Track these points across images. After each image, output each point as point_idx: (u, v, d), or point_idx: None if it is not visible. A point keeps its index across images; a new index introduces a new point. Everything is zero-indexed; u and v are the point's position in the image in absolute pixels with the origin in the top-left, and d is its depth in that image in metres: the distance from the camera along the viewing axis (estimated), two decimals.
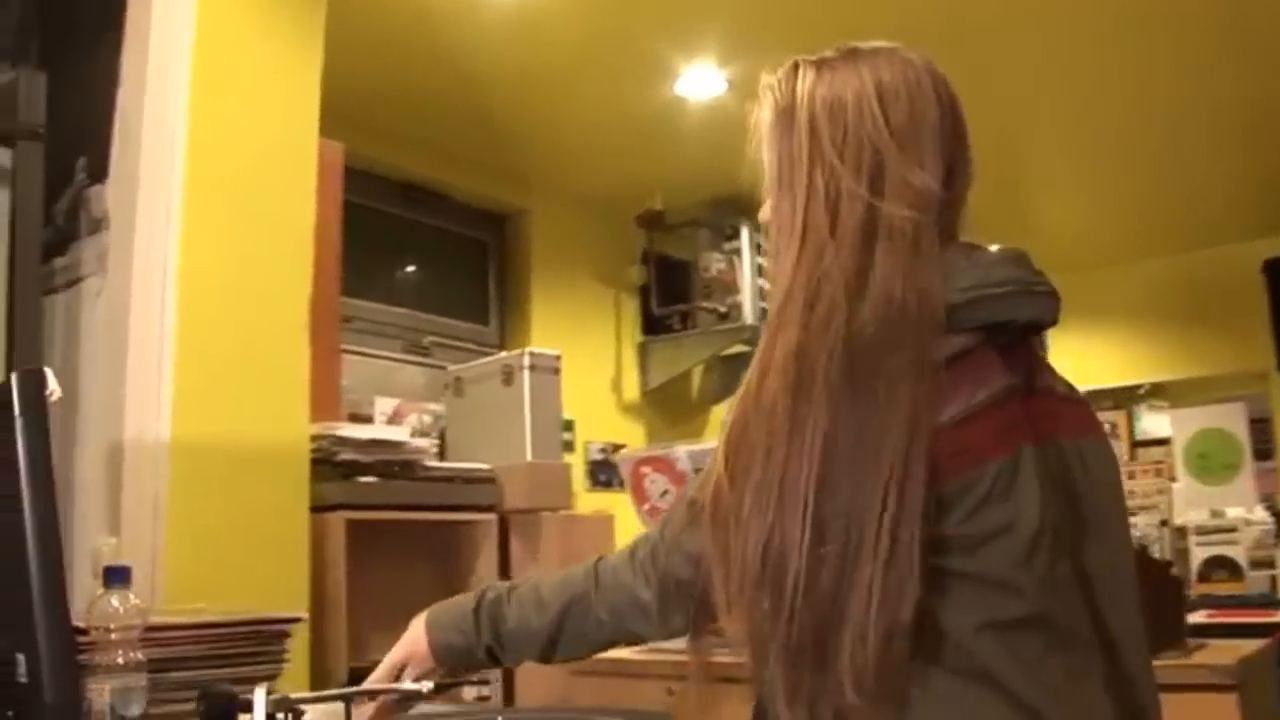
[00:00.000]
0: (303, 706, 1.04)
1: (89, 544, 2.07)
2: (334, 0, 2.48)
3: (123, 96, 2.25)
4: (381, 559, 2.42)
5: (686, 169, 4.81)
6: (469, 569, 2.63)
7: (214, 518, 2.05)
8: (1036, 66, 4.11)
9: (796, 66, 1.20)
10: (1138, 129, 4.70)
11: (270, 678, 1.68)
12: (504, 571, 2.63)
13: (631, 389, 5.33)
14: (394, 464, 2.49)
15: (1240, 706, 1.95)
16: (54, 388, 1.27)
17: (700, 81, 4.08)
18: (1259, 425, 6.42)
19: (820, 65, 1.19)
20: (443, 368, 4.53)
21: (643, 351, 5.40)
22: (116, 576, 1.36)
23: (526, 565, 2.67)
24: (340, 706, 1.12)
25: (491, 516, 2.65)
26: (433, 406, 4.11)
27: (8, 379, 1.26)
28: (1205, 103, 4.40)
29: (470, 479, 2.62)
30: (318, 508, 2.28)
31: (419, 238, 4.73)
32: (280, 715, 1.00)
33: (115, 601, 1.34)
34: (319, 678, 2.17)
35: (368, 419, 3.98)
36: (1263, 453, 6.40)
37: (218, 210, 2.15)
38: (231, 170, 2.19)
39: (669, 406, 5.46)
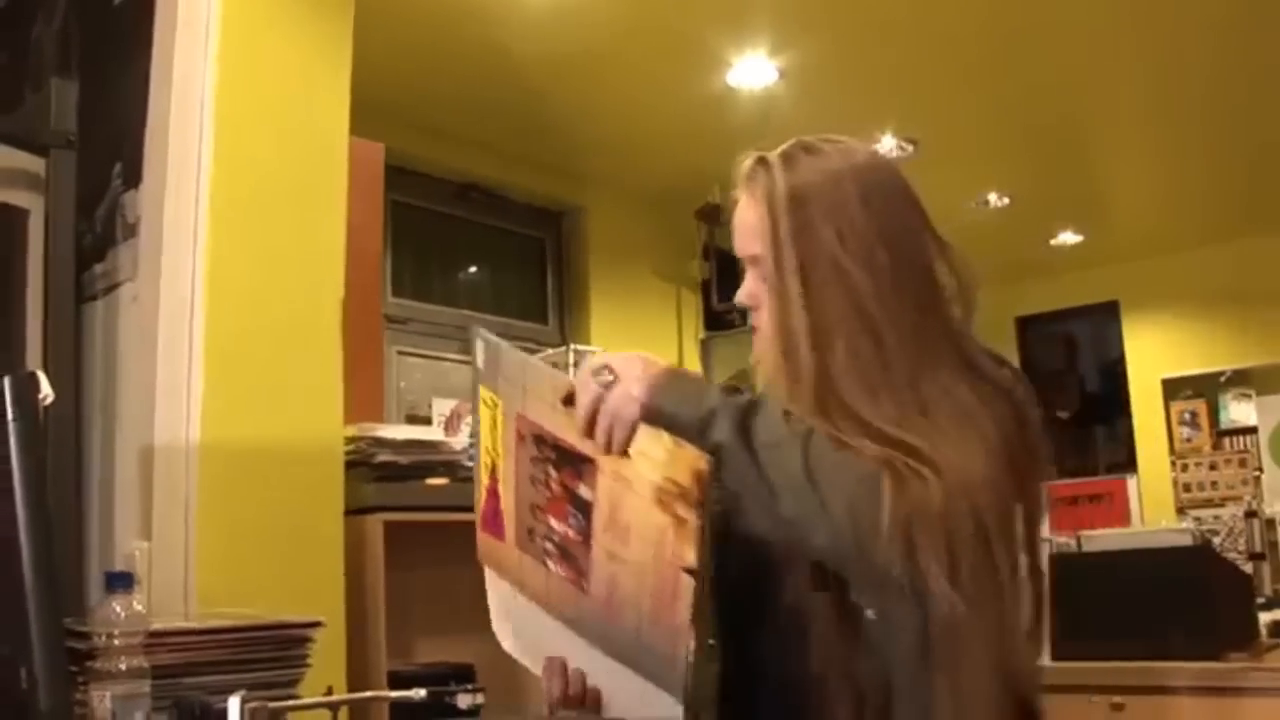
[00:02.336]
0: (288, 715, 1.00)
1: (126, 549, 2.08)
2: (385, 4, 2.47)
3: (152, 101, 2.25)
4: (420, 561, 2.39)
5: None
6: None
7: (246, 521, 2.03)
8: (1112, 43, 3.97)
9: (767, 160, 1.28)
10: (1220, 108, 4.54)
11: (290, 684, 1.66)
12: None
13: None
14: (433, 465, 2.45)
15: None
16: (47, 391, 1.25)
17: (752, 71, 4.02)
18: None
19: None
20: None
21: (705, 348, 5.35)
22: (119, 582, 1.35)
23: None
24: None
25: None
26: None
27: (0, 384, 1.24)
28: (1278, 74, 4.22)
29: None
30: (355, 510, 2.26)
31: (476, 238, 4.73)
32: None
33: (118, 607, 1.32)
34: (357, 680, 2.15)
35: (425, 420, 3.99)
36: None
37: (246, 213, 2.14)
38: (259, 173, 2.18)
39: None
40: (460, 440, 2.61)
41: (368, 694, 1.10)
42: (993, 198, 5.49)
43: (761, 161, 1.29)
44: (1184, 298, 6.57)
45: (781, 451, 1.06)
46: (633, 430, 1.08)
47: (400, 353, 4.28)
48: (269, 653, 1.62)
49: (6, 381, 1.24)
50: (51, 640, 1.19)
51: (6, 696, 1.27)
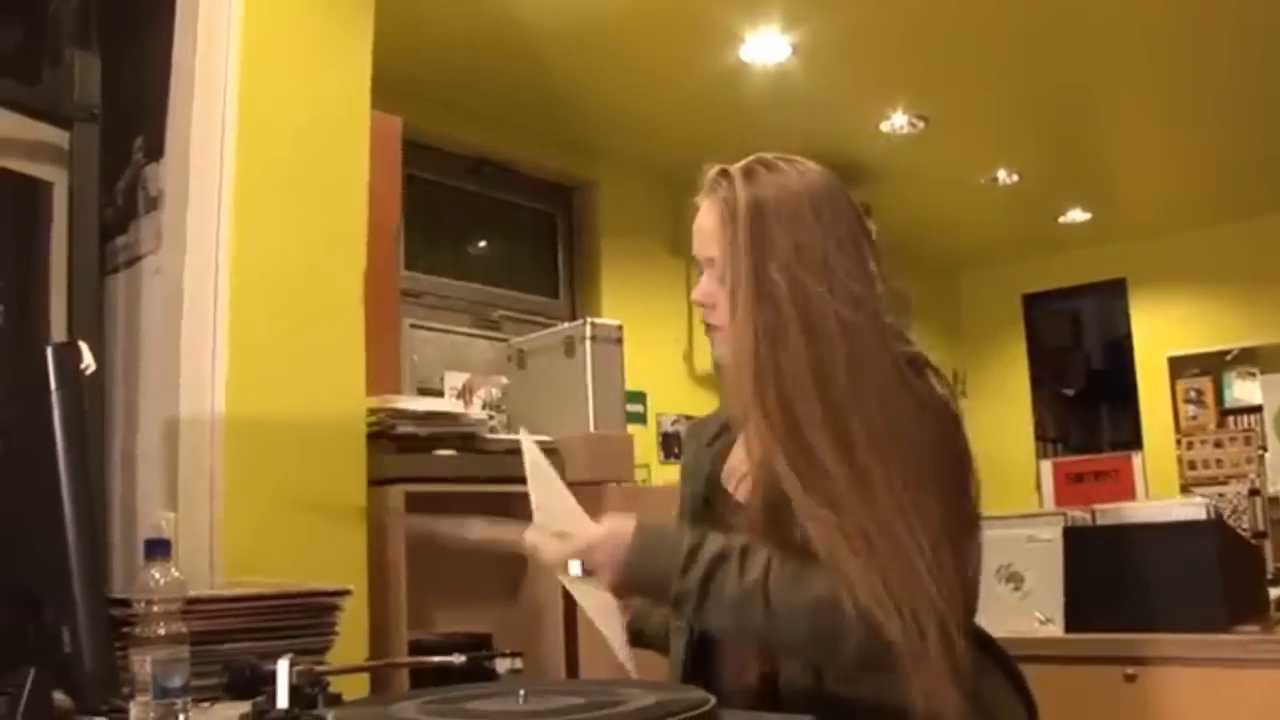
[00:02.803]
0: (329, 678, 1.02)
1: (152, 519, 2.10)
2: None
3: (174, 74, 2.26)
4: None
5: (754, 136, 4.71)
6: None
7: (271, 491, 2.05)
8: (1123, 23, 3.97)
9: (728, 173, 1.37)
10: (1225, 87, 4.54)
11: (320, 650, 1.69)
12: None
13: (704, 361, 5.29)
14: (453, 436, 2.48)
15: None
16: (89, 361, 1.27)
17: (765, 47, 4.02)
18: None
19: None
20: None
21: None
22: (157, 549, 1.36)
23: None
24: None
25: None
26: (504, 380, 4.12)
27: (43, 354, 1.26)
28: None
29: None
30: (377, 481, 2.29)
31: (488, 212, 4.74)
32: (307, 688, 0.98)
33: (156, 574, 1.34)
34: (378, 649, 2.18)
35: (438, 393, 4.00)
36: None
37: (269, 186, 2.15)
38: (282, 146, 2.19)
39: None
40: (477, 411, 2.63)
41: (410, 659, 1.12)
42: (1002, 175, 5.50)
43: (724, 173, 1.38)
44: (1191, 276, 6.58)
45: (744, 609, 1.20)
46: None
47: (413, 326, 4.29)
48: (300, 620, 1.64)
49: (49, 351, 1.27)
50: (95, 605, 1.22)
51: (51, 660, 1.30)
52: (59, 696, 1.39)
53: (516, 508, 2.64)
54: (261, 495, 2.05)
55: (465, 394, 4.26)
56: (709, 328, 1.41)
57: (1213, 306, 6.61)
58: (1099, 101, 4.73)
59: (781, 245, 1.30)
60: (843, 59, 4.17)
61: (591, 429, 2.76)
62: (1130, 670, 1.99)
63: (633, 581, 1.27)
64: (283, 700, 0.96)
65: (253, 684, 0.99)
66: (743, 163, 1.39)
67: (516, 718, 0.88)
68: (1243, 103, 4.71)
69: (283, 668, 0.97)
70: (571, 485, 2.65)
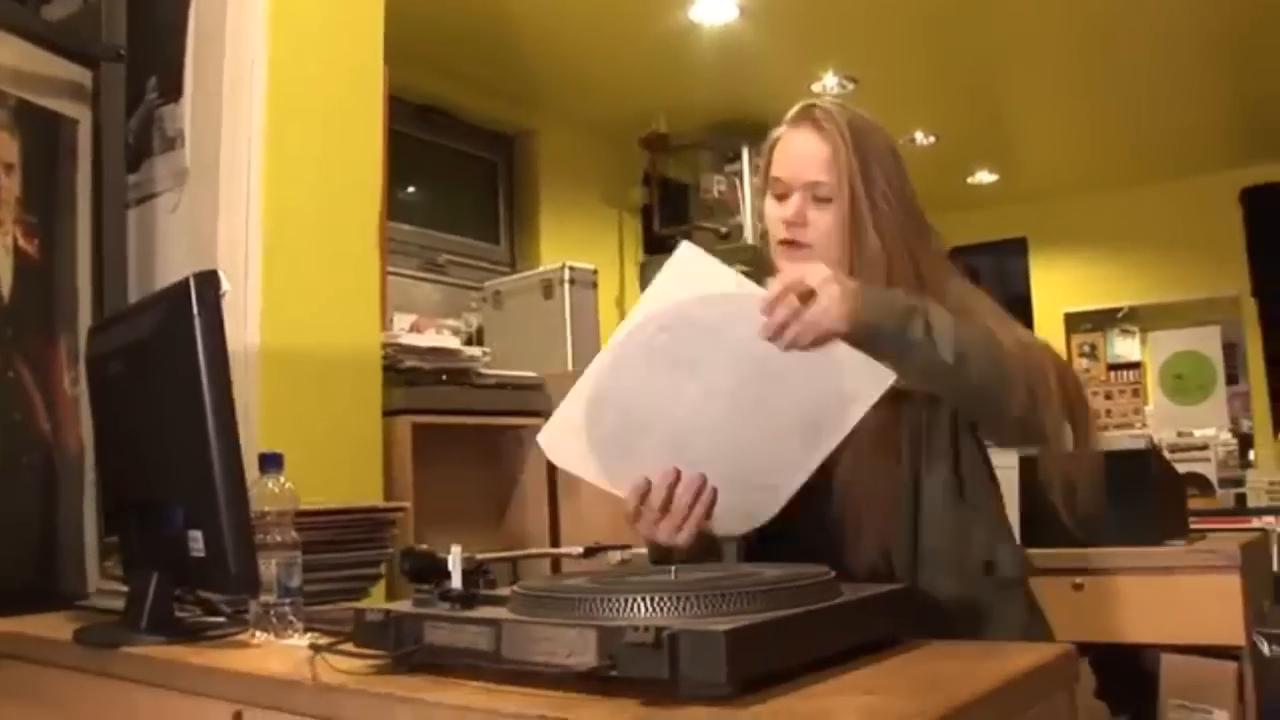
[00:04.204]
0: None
1: None
2: None
3: (196, 17, 2.33)
4: (441, 460, 2.57)
5: (692, 92, 4.91)
6: (519, 470, 2.81)
7: (301, 423, 2.16)
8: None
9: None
10: (1120, 58, 4.83)
11: (377, 563, 1.84)
12: (551, 473, 2.79)
13: (633, 306, 5.46)
14: (451, 371, 2.63)
15: (1243, 585, 2.18)
16: (226, 286, 1.40)
17: (714, 7, 4.17)
18: (1229, 350, 6.67)
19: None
20: (457, 285, 4.66)
21: (645, 271, 5.53)
22: (271, 463, 1.50)
23: None
24: None
25: (540, 421, 2.79)
26: (450, 322, 4.24)
27: (185, 281, 1.39)
28: (1186, 32, 4.54)
29: (520, 386, 2.78)
30: (386, 412, 2.42)
31: (431, 158, 4.82)
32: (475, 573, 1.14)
33: (271, 485, 1.48)
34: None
35: None
36: (1232, 377, 6.66)
37: (297, 130, 2.25)
38: (308, 90, 2.28)
39: None
40: (472, 349, 2.78)
41: (545, 551, 1.28)
42: (919, 136, 5.76)
43: (822, 108, 1.54)
44: (1084, 238, 6.98)
45: (972, 333, 1.29)
46: (821, 341, 1.24)
47: None
48: (362, 534, 1.79)
49: (191, 278, 1.39)
50: (239, 513, 1.35)
51: (174, 564, 1.43)
52: None
53: (507, 438, 2.82)
54: (292, 426, 2.16)
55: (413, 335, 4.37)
56: (788, 246, 1.51)
57: (1103, 267, 7.03)
58: (1014, 68, 5.00)
59: (877, 176, 1.48)
60: (788, 21, 4.33)
61: (570, 367, 2.92)
62: (1078, 580, 2.28)
63: (869, 306, 1.25)
64: (457, 582, 1.12)
65: (428, 571, 1.14)
66: (825, 103, 1.55)
67: (678, 585, 1.06)
68: (1135, 73, 5.00)
69: (455, 554, 1.13)
70: None
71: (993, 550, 1.47)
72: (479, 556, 1.17)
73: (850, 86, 4.98)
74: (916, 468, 1.45)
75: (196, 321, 1.36)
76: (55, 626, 1.60)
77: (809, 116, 1.54)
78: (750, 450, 1.29)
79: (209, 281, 1.38)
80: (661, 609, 0.99)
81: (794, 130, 1.55)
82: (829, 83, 4.95)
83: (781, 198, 1.53)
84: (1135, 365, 7.62)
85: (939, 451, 1.46)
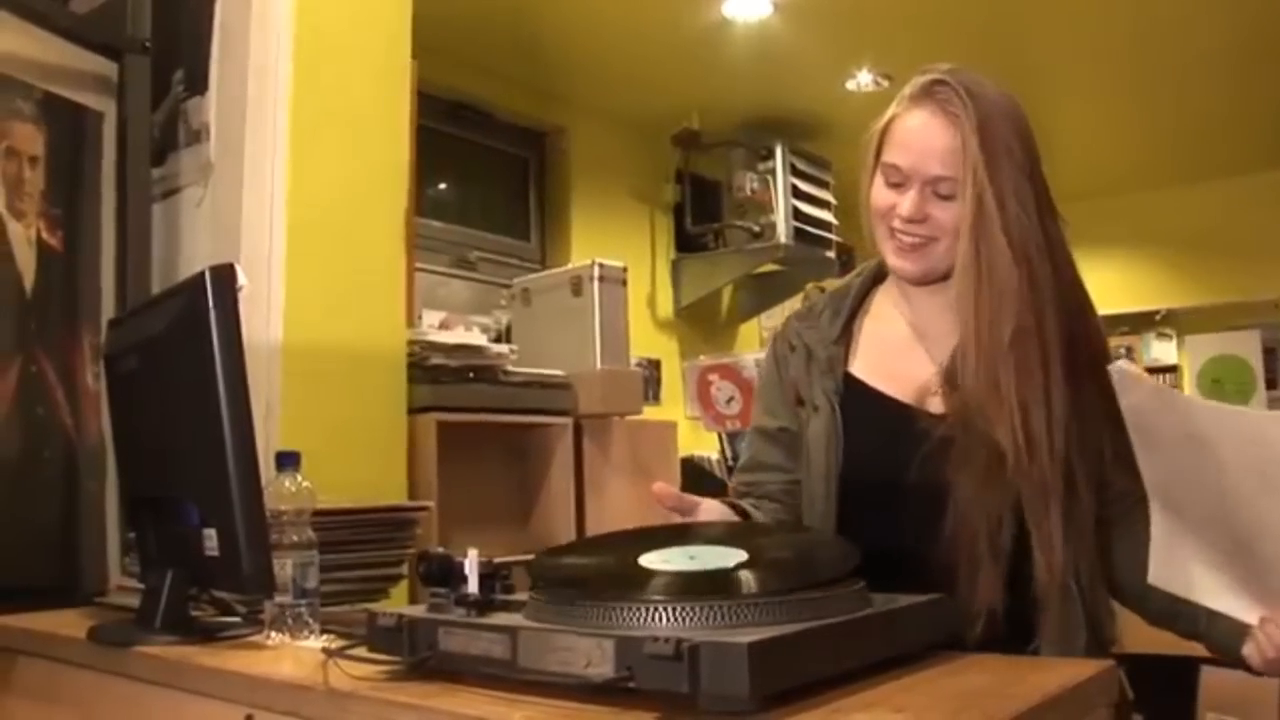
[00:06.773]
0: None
1: None
2: None
3: (222, 11, 2.31)
4: (466, 458, 2.55)
5: (725, 90, 4.86)
6: (545, 469, 2.78)
7: (325, 420, 2.14)
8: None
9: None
10: (1157, 57, 4.75)
11: (399, 562, 1.81)
12: (578, 472, 2.76)
13: (665, 305, 5.44)
14: (478, 369, 2.60)
15: None
16: (243, 281, 1.37)
17: (748, 2, 4.13)
18: (1268, 354, 6.55)
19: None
20: (487, 282, 4.64)
21: (676, 268, 5.50)
22: (288, 461, 1.47)
23: (599, 467, 2.81)
24: None
25: (567, 420, 2.77)
26: (480, 319, 4.21)
27: (200, 274, 1.36)
28: (1225, 29, 4.45)
29: (547, 384, 2.74)
30: (411, 409, 2.39)
31: (463, 155, 4.80)
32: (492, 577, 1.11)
33: (288, 484, 1.46)
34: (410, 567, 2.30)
35: None
36: (1272, 382, 6.54)
37: (323, 124, 2.22)
38: (335, 84, 2.26)
39: (700, 323, 5.57)
40: (499, 346, 2.75)
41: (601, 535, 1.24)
42: None
43: (949, 84, 1.38)
44: (1120, 240, 6.85)
45: None
46: None
47: None
48: (384, 533, 1.77)
49: (206, 272, 1.36)
50: (253, 512, 1.32)
51: (189, 563, 1.40)
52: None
53: (533, 437, 2.79)
54: (315, 423, 2.14)
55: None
56: (907, 245, 1.41)
57: (1140, 269, 6.92)
58: (1052, 67, 4.91)
59: (1006, 167, 1.34)
60: (817, 16, 4.28)
61: (599, 366, 2.89)
62: None
63: None
64: (473, 586, 1.09)
65: (445, 575, 1.11)
66: (950, 77, 1.38)
67: (700, 593, 1.01)
68: (1173, 73, 4.90)
69: (472, 558, 1.09)
70: (584, 418, 2.81)
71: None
72: (497, 560, 1.13)
73: (885, 84, 4.92)
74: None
75: (212, 316, 1.34)
76: (72, 623, 1.58)
77: (932, 96, 1.38)
78: None
79: (225, 275, 1.35)
80: (683, 619, 0.95)
81: (915, 109, 1.40)
82: (863, 79, 4.89)
83: (897, 187, 1.40)
84: (1172, 369, 7.51)
85: None
